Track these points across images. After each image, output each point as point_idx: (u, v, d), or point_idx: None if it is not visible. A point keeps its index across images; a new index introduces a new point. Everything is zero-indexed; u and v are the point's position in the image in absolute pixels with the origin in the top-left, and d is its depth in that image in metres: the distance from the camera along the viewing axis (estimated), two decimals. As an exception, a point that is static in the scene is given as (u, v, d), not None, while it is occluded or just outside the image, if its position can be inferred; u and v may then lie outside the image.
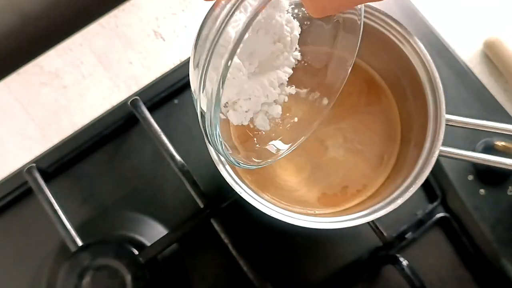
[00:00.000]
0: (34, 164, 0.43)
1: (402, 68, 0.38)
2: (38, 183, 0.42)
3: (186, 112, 0.48)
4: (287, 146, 0.34)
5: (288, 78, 0.32)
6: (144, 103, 0.44)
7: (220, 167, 0.33)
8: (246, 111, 0.31)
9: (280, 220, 0.32)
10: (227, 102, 0.31)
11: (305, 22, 0.32)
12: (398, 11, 0.49)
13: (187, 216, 0.44)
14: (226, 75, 0.24)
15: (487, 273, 0.43)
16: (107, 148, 0.47)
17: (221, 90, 0.25)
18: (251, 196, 0.33)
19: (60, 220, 0.41)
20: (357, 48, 0.32)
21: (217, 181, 0.44)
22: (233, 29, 0.24)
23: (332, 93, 0.34)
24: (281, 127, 0.34)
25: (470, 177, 0.43)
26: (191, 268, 0.44)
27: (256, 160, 0.33)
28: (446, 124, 0.35)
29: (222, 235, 0.41)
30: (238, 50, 0.23)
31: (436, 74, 0.35)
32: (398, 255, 0.42)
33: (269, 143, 0.34)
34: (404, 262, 0.41)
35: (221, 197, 0.41)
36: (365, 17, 0.33)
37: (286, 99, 0.33)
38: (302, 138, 0.34)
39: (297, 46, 0.31)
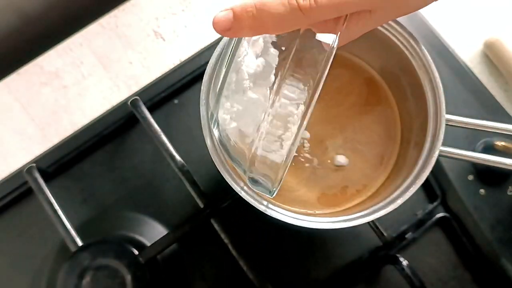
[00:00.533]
0: (34, 164, 0.43)
1: (402, 68, 0.38)
2: (38, 183, 0.42)
3: (186, 112, 0.48)
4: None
5: None
6: (144, 103, 0.44)
7: (220, 167, 0.33)
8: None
9: (280, 220, 0.32)
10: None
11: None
12: (398, 11, 0.49)
13: (187, 216, 0.44)
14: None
15: (487, 273, 0.43)
16: (107, 148, 0.47)
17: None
18: (251, 196, 0.33)
19: (60, 220, 0.41)
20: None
21: (217, 181, 0.44)
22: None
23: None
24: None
25: (470, 177, 0.43)
26: (191, 268, 0.44)
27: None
28: (446, 124, 0.35)
29: (222, 235, 0.41)
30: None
31: (436, 74, 0.35)
32: (398, 255, 0.42)
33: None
34: (404, 262, 0.41)
35: (221, 197, 0.41)
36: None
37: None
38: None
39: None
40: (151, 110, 0.44)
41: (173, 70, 0.48)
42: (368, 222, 0.37)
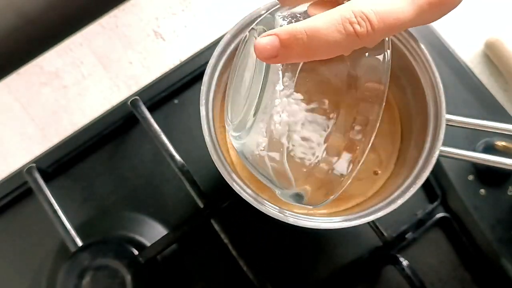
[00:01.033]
0: (34, 164, 0.43)
1: (402, 68, 0.38)
2: (38, 183, 0.42)
3: (186, 112, 0.48)
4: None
5: None
6: (144, 103, 0.44)
7: (220, 167, 0.33)
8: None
9: (280, 220, 0.32)
10: None
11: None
12: (398, 11, 0.49)
13: (187, 216, 0.44)
14: None
15: (487, 273, 0.43)
16: (107, 148, 0.47)
17: None
18: (251, 196, 0.33)
19: (60, 220, 0.41)
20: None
21: (217, 181, 0.44)
22: None
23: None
24: None
25: (470, 177, 0.43)
26: (191, 268, 0.44)
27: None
28: (446, 124, 0.35)
29: (222, 235, 0.41)
30: None
31: (436, 74, 0.35)
32: (398, 255, 0.42)
33: None
34: (404, 262, 0.41)
35: (221, 197, 0.41)
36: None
37: None
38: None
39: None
40: (151, 110, 0.44)
41: (173, 70, 0.48)
42: (368, 222, 0.37)
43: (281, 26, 0.27)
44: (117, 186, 0.46)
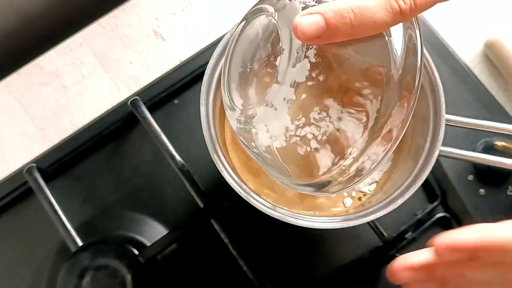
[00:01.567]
0: (34, 164, 0.43)
1: (402, 68, 0.37)
2: (38, 183, 0.42)
3: (186, 112, 0.48)
4: None
5: None
6: (144, 103, 0.44)
7: (220, 167, 0.33)
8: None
9: (280, 220, 0.32)
10: None
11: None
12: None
13: (187, 216, 0.44)
14: None
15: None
16: (107, 148, 0.47)
17: None
18: (251, 196, 0.33)
19: (60, 220, 0.41)
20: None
21: (217, 181, 0.44)
22: None
23: None
24: None
25: (470, 177, 0.43)
26: (191, 268, 0.44)
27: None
28: (446, 124, 0.35)
29: (222, 235, 0.41)
30: None
31: (436, 74, 0.35)
32: (398, 255, 0.42)
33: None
34: (404, 262, 0.41)
35: (221, 197, 0.41)
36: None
37: None
38: None
39: None
40: (151, 110, 0.44)
41: (173, 70, 0.48)
42: (368, 222, 0.38)
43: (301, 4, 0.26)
44: (117, 186, 0.46)
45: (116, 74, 0.49)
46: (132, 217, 0.45)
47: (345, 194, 0.39)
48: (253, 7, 0.31)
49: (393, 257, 0.42)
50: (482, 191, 0.43)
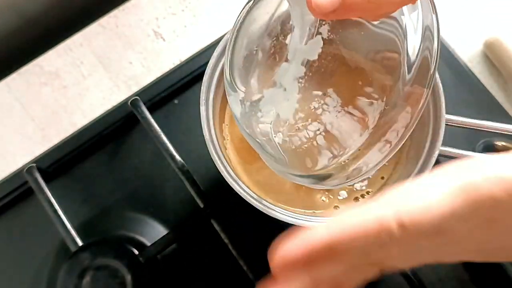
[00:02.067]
0: (34, 164, 0.43)
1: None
2: (38, 183, 0.42)
3: (186, 112, 0.48)
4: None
5: None
6: (144, 103, 0.44)
7: (220, 167, 0.33)
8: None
9: (280, 220, 0.32)
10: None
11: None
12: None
13: (187, 216, 0.44)
14: None
15: (487, 273, 0.43)
16: (107, 148, 0.47)
17: None
18: (251, 196, 0.33)
19: (60, 220, 0.41)
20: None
21: (217, 181, 0.44)
22: None
23: None
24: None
25: (470, 177, 0.43)
26: (191, 268, 0.44)
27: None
28: (446, 124, 0.35)
29: (222, 235, 0.41)
30: None
31: (436, 74, 0.35)
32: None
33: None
34: (404, 262, 0.41)
35: (221, 197, 0.41)
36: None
37: None
38: None
39: None
40: (151, 110, 0.44)
41: (173, 70, 0.48)
42: (368, 222, 0.37)
43: None
44: (117, 186, 0.46)
45: (116, 74, 0.49)
46: (132, 217, 0.45)
47: (346, 194, 0.39)
48: None
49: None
50: (482, 191, 0.43)
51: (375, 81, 0.27)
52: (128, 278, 0.37)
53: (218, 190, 0.44)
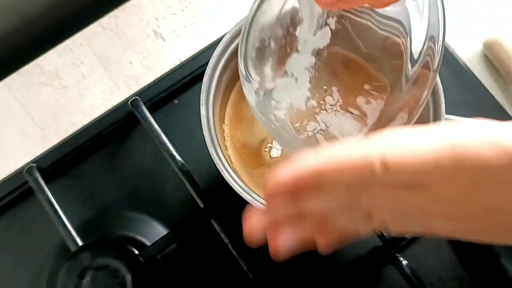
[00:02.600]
0: (34, 164, 0.43)
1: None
2: (38, 183, 0.42)
3: (186, 112, 0.48)
4: None
5: None
6: (144, 103, 0.44)
7: (220, 167, 0.33)
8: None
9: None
10: None
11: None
12: (398, 11, 0.49)
13: (187, 216, 0.44)
14: None
15: (487, 273, 0.43)
16: (107, 148, 0.47)
17: None
18: (251, 196, 0.33)
19: (60, 220, 0.41)
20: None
21: (217, 181, 0.44)
22: None
23: None
24: None
25: (470, 177, 0.43)
26: (191, 268, 0.44)
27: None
28: (446, 124, 0.35)
29: (222, 235, 0.41)
30: None
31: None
32: (398, 255, 0.42)
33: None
34: (404, 262, 0.41)
35: (221, 197, 0.41)
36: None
37: None
38: None
39: None
40: (151, 110, 0.44)
41: (173, 70, 0.48)
42: (368, 222, 0.37)
43: None
44: (117, 186, 0.46)
45: (116, 74, 0.49)
46: (132, 217, 0.45)
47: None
48: None
49: (393, 256, 0.42)
50: (482, 191, 0.43)
51: (377, 75, 0.27)
52: (128, 278, 0.37)
53: (218, 190, 0.44)
